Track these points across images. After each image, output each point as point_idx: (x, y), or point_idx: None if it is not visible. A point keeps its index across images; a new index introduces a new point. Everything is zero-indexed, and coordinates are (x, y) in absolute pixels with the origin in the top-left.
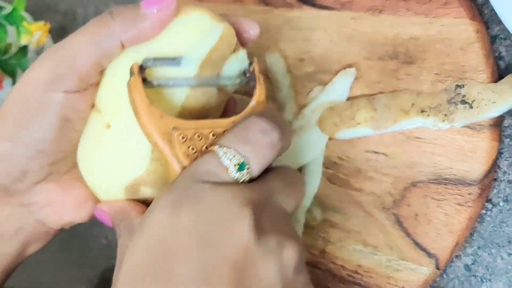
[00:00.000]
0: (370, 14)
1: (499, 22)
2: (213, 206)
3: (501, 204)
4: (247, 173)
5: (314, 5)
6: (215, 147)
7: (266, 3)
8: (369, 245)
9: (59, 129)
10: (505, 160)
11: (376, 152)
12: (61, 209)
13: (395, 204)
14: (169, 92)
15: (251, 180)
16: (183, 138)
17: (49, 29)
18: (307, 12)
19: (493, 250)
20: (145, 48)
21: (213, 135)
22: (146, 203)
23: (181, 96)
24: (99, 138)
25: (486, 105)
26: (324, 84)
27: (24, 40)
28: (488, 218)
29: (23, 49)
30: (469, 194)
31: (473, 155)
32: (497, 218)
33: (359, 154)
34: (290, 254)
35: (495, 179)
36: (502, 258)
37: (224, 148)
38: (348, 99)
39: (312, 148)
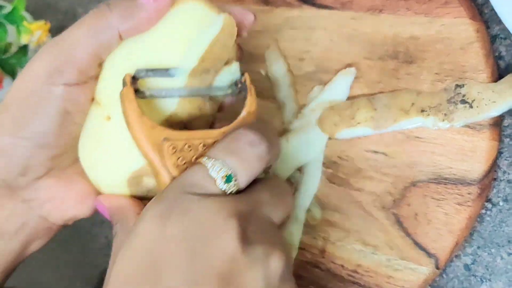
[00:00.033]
0: (370, 13)
1: (499, 21)
2: (200, 218)
3: (501, 203)
4: (234, 185)
5: (314, 4)
6: (203, 159)
7: (266, 3)
8: (368, 244)
9: (59, 122)
10: (505, 159)
11: (376, 152)
12: (63, 204)
13: (395, 204)
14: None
15: (239, 191)
16: (173, 149)
17: (49, 28)
18: (307, 12)
19: (492, 250)
20: (142, 39)
21: (203, 146)
22: (148, 198)
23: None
24: (100, 130)
25: (486, 104)
26: (324, 83)
27: (24, 40)
28: (488, 218)
29: (23, 49)
30: (469, 193)
31: (473, 155)
32: (497, 218)
33: (359, 154)
34: (276, 263)
35: (495, 179)
36: (501, 258)
37: (212, 160)
38: (348, 98)
39: (312, 147)
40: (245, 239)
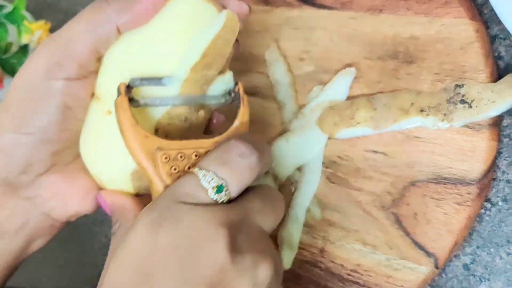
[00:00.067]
0: (370, 13)
1: (499, 22)
2: (191, 227)
3: (500, 203)
4: (225, 195)
5: (314, 4)
6: (195, 169)
7: (266, 3)
8: (368, 244)
9: (60, 117)
10: (504, 159)
11: (375, 152)
12: (66, 200)
13: (394, 204)
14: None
15: (231, 200)
16: (166, 158)
17: (50, 28)
18: (307, 12)
19: (492, 250)
20: (141, 33)
21: (196, 155)
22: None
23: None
24: (100, 125)
25: (485, 104)
26: (324, 83)
27: (24, 39)
28: (487, 218)
29: (24, 48)
30: (468, 193)
31: (472, 155)
32: (496, 218)
33: (358, 154)
34: (265, 271)
35: (494, 179)
36: (501, 258)
37: (204, 170)
38: (348, 98)
39: (311, 147)
40: (235, 249)
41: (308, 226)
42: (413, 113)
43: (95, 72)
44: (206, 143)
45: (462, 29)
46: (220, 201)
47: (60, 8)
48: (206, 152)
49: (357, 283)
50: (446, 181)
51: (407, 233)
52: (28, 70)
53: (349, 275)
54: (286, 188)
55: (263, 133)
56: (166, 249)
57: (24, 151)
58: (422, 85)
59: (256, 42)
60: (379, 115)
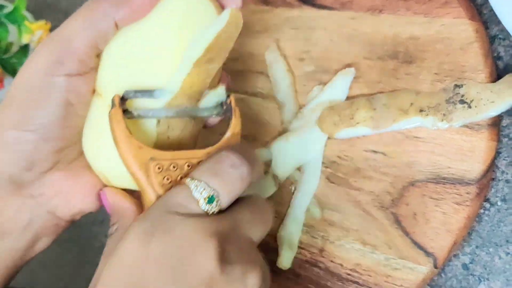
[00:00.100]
0: (370, 14)
1: (498, 22)
2: (182, 237)
3: (499, 203)
4: (217, 205)
5: (314, 4)
6: (187, 180)
7: (266, 3)
8: (367, 244)
9: (63, 114)
10: (503, 159)
11: (375, 151)
12: (70, 198)
13: (394, 203)
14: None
15: (221, 210)
16: (159, 168)
17: (50, 28)
18: (307, 12)
19: (491, 249)
20: (138, 27)
21: (188, 165)
22: None
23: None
24: (102, 121)
25: (484, 104)
26: (324, 83)
27: (25, 39)
28: (486, 218)
29: (24, 48)
30: (467, 193)
31: (471, 155)
32: (495, 218)
33: (358, 153)
34: (253, 281)
35: (493, 179)
36: (500, 257)
37: (196, 181)
38: (348, 98)
39: (311, 147)
40: (224, 259)
41: (307, 226)
42: (412, 113)
43: (95, 68)
44: (198, 153)
45: (462, 29)
46: (211, 212)
47: (60, 8)
48: (199, 163)
49: (356, 282)
50: (445, 181)
51: (407, 233)
52: (29, 69)
53: (348, 274)
54: (286, 188)
55: (263, 133)
56: (158, 259)
57: (28, 148)
58: (422, 85)
59: (256, 42)
60: (378, 115)
